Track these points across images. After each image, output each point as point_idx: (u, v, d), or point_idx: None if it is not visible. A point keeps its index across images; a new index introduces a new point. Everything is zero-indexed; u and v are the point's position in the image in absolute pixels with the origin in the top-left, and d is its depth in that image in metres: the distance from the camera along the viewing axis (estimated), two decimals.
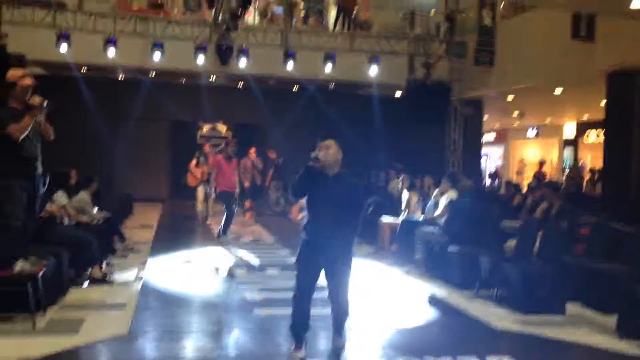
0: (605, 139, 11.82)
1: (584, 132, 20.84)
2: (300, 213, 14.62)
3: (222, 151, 11.20)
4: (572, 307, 6.54)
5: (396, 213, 10.05)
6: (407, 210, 9.78)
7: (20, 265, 5.32)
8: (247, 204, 14.52)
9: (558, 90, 14.48)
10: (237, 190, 10.88)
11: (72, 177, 8.38)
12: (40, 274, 5.42)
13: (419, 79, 14.47)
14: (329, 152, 4.78)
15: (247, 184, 14.40)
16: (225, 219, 10.58)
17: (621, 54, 10.52)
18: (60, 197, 7.45)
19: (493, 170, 24.13)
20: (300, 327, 4.80)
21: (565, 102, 16.81)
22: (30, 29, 12.89)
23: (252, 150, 15.08)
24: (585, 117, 20.26)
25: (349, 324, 5.25)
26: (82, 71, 15.10)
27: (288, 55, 13.82)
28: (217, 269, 8.30)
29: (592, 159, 20.31)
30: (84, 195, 8.20)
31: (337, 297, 4.87)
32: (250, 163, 14.94)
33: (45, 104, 5.60)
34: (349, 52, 14.43)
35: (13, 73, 5.91)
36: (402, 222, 9.38)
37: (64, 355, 4.69)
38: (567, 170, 20.08)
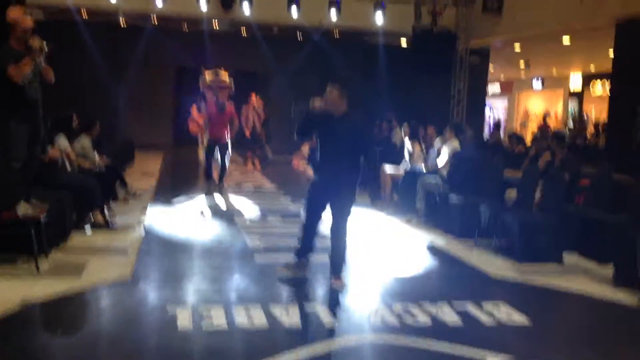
0: (611, 90, 11.68)
1: (590, 84, 20.59)
2: (301, 161, 14.65)
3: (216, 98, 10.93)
4: (569, 257, 6.61)
5: (399, 162, 10.03)
6: (410, 160, 9.77)
7: (22, 208, 5.35)
8: (249, 154, 14.35)
9: (566, 39, 14.24)
10: (227, 140, 10.41)
11: (74, 120, 8.34)
12: (43, 216, 5.47)
13: (425, 26, 14.21)
14: (330, 96, 5.31)
15: (247, 133, 14.16)
16: (220, 170, 10.50)
17: (633, 2, 10.28)
18: (62, 140, 7.43)
19: (496, 120, 23.99)
20: (305, 251, 5.55)
21: (573, 51, 16.55)
22: None
23: (254, 96, 14.60)
24: (592, 68, 19.98)
25: (348, 268, 5.54)
26: (82, 16, 14.88)
27: (292, 1, 13.56)
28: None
29: (596, 111, 20.16)
30: (85, 140, 8.18)
31: (337, 231, 5.40)
32: (251, 109, 14.50)
33: (45, 45, 5.52)
34: None
35: (13, 12, 5.81)
36: (406, 172, 9.38)
37: (67, 298, 4.77)
38: (570, 123, 19.97)
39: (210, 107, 10.86)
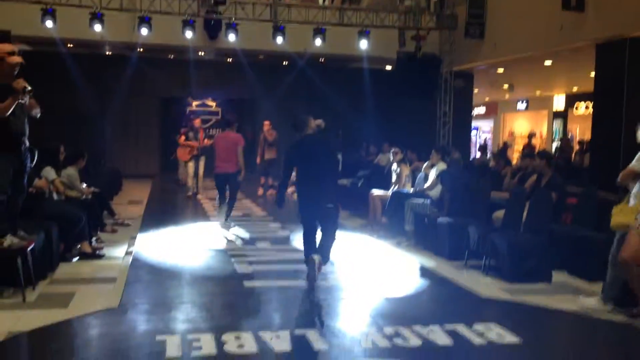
0: (594, 110, 11.84)
1: (574, 104, 20.88)
2: (290, 187, 14.67)
3: (221, 125, 10.66)
4: (558, 276, 6.63)
5: (386, 186, 10.07)
6: (397, 183, 9.81)
7: (9, 240, 5.31)
8: (262, 180, 14.11)
9: (548, 62, 14.48)
10: (237, 169, 9.36)
11: (61, 152, 8.33)
12: (30, 248, 5.43)
13: (409, 52, 14.40)
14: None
15: (258, 160, 13.99)
16: (228, 203, 9.60)
17: (611, 25, 10.49)
18: (49, 172, 7.41)
19: (483, 142, 24.23)
20: (309, 249, 6.25)
21: (555, 73, 16.83)
22: (14, 5, 12.68)
23: (267, 123, 14.19)
24: (574, 89, 20.29)
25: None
26: (68, 47, 14.94)
27: (277, 29, 13.70)
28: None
29: (580, 130, 20.42)
30: (72, 171, 8.16)
31: (325, 240, 6.24)
32: (263, 137, 14.11)
33: (28, 88, 5.50)
34: (338, 26, 14.31)
35: (1, 47, 5.81)
36: (393, 194, 9.42)
37: (54, 329, 4.71)
38: (556, 142, 20.19)
39: (216, 137, 10.44)
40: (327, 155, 6.38)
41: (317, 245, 6.29)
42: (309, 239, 6.32)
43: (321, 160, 6.24)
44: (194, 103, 18.94)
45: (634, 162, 5.34)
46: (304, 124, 6.43)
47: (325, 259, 6.24)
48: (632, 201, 5.32)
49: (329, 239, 6.29)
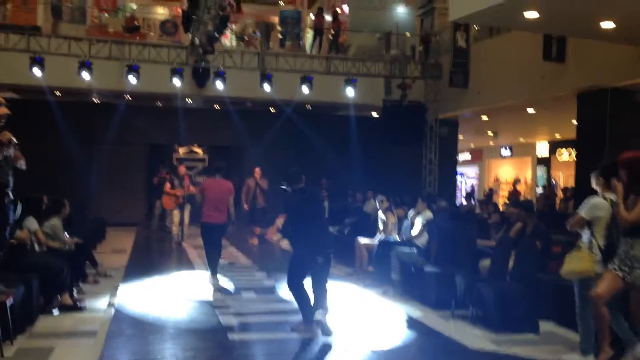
0: (577, 158, 12.01)
1: (557, 151, 21.17)
2: (276, 234, 14.62)
3: (210, 172, 9.39)
4: (545, 325, 6.58)
5: (373, 234, 10.05)
6: (384, 231, 9.80)
7: None
8: (258, 230, 13.89)
9: (531, 110, 14.74)
10: (227, 220, 8.81)
11: (44, 202, 8.26)
12: (9, 302, 5.31)
13: (395, 99, 14.62)
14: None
15: (246, 207, 13.71)
16: (209, 257, 8.75)
17: (591, 76, 10.75)
18: (31, 222, 7.31)
19: (469, 189, 24.37)
20: (308, 314, 6.11)
21: (538, 121, 17.11)
22: (2, 53, 12.80)
23: (257, 170, 14.13)
24: (557, 136, 20.60)
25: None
26: (56, 95, 15.00)
27: (265, 77, 13.89)
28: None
29: (564, 177, 20.64)
30: (56, 221, 8.07)
31: (319, 289, 6.24)
32: (254, 183, 13.95)
33: (13, 141, 5.49)
34: (325, 74, 14.55)
35: None
36: (379, 242, 9.39)
37: None
38: (540, 189, 20.36)
39: (203, 182, 9.42)
40: (321, 207, 6.67)
41: (309, 299, 6.18)
42: (302, 295, 6.17)
43: (318, 211, 6.48)
44: (181, 150, 18.98)
45: (582, 209, 5.44)
46: (297, 177, 6.36)
47: (323, 306, 6.22)
48: (586, 250, 5.40)
49: (323, 290, 6.25)
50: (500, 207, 12.62)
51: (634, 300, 4.92)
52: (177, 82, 13.47)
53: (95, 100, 16.69)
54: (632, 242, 4.89)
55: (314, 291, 6.20)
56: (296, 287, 6.15)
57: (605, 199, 5.36)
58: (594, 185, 5.63)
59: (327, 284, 6.29)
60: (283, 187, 6.35)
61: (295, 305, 6.20)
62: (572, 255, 5.50)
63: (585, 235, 5.43)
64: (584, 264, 5.31)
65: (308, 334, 6.02)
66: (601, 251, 5.20)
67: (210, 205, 8.62)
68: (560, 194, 17.03)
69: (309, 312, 6.11)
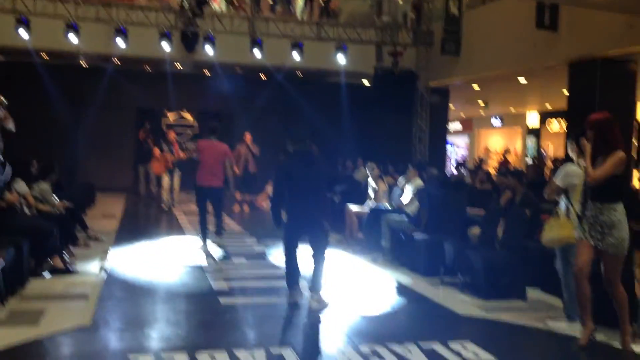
0: (567, 127, 12.04)
1: (547, 121, 21.22)
2: (266, 201, 14.62)
3: (204, 133, 9.00)
4: (532, 293, 6.69)
5: (363, 201, 10.09)
6: (374, 199, 9.84)
7: None
8: (237, 195, 13.70)
9: (522, 79, 14.70)
10: (222, 184, 8.76)
11: (33, 165, 8.20)
12: (0, 264, 5.30)
13: (386, 67, 14.51)
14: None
15: (237, 172, 13.14)
16: (215, 221, 8.94)
17: (583, 45, 10.71)
18: (20, 185, 7.27)
19: (460, 158, 24.46)
20: (293, 281, 6.07)
21: (529, 91, 17.09)
22: None
23: (248, 135, 13.91)
24: (548, 107, 20.62)
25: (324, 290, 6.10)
26: (42, 57, 14.75)
27: (255, 42, 13.71)
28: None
29: (554, 147, 20.74)
30: (45, 185, 8.03)
31: (317, 258, 6.07)
32: (245, 149, 13.77)
33: (2, 102, 5.41)
34: (316, 40, 14.39)
35: None
36: (370, 210, 9.44)
37: (24, 347, 4.59)
38: (530, 159, 20.47)
39: (199, 144, 8.98)
40: (318, 171, 6.08)
41: (300, 270, 6.12)
42: (291, 262, 6.09)
43: (313, 175, 6.00)
44: (170, 115, 18.82)
45: (557, 176, 5.57)
46: (300, 137, 6.17)
47: (318, 286, 6.03)
48: (561, 216, 5.54)
49: (321, 262, 6.07)
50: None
51: (607, 266, 4.91)
52: (165, 46, 13.27)
53: (83, 64, 16.44)
54: (601, 207, 4.86)
55: (313, 267, 6.08)
56: (285, 254, 6.11)
57: (579, 166, 5.43)
58: (569, 152, 5.72)
59: (323, 257, 6.09)
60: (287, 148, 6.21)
61: (284, 270, 6.17)
62: (552, 223, 5.58)
63: (563, 202, 5.52)
64: (563, 231, 5.39)
65: (290, 298, 6.04)
66: (578, 217, 5.25)
67: (205, 168, 8.48)
68: (549, 164, 17.11)
69: (291, 279, 6.08)
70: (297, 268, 6.12)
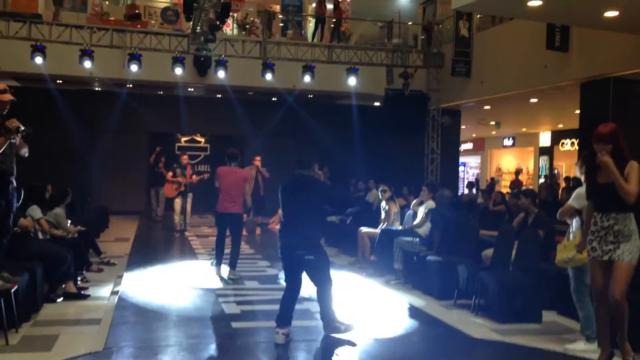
0: (579, 147, 11.98)
1: (559, 141, 21.13)
2: (279, 224, 14.59)
3: (224, 160, 8.93)
4: (548, 315, 6.61)
5: (375, 223, 10.05)
6: (386, 221, 9.80)
7: None
8: (260, 219, 13.66)
9: (534, 100, 14.70)
10: (240, 210, 8.77)
11: (48, 190, 8.27)
12: (13, 289, 5.33)
13: (397, 89, 14.57)
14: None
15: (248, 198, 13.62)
16: (231, 250, 8.70)
17: (594, 65, 10.70)
18: (35, 211, 7.33)
19: (473, 179, 24.37)
20: (282, 319, 5.55)
21: (541, 111, 17.07)
22: (3, 41, 12.76)
23: (258, 158, 13.76)
24: (560, 126, 20.56)
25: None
26: (57, 83, 14.96)
27: (267, 66, 13.84)
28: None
29: (566, 167, 20.62)
30: (59, 210, 8.09)
31: (319, 293, 5.72)
32: (255, 172, 13.50)
33: (21, 128, 5.47)
34: (327, 63, 14.49)
35: None
36: (382, 231, 9.39)
37: None
38: (542, 179, 20.35)
39: (220, 171, 8.86)
40: (311, 199, 5.69)
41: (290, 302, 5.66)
42: (287, 297, 5.69)
43: (305, 203, 5.65)
44: (183, 139, 18.97)
45: (571, 199, 5.56)
46: (308, 162, 5.91)
47: (331, 322, 5.69)
48: (571, 237, 5.55)
49: (321, 300, 5.70)
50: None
51: (619, 276, 4.69)
52: (178, 70, 13.43)
53: (97, 89, 16.64)
54: (617, 217, 4.74)
55: (319, 303, 5.77)
56: (285, 286, 5.79)
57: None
58: (578, 174, 5.71)
59: (324, 288, 5.70)
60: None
61: (300, 294, 5.91)
62: (566, 243, 5.54)
63: (574, 223, 5.49)
64: (580, 253, 5.33)
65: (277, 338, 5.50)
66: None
67: (224, 194, 8.58)
68: (562, 184, 17.01)
69: (282, 313, 5.60)
70: (290, 305, 5.63)
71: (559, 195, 15.19)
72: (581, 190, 5.51)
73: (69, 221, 8.35)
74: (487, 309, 6.67)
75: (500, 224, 8.39)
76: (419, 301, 7.43)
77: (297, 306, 5.83)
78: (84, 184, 15.00)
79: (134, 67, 13.14)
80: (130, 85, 15.66)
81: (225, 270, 8.83)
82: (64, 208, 8.19)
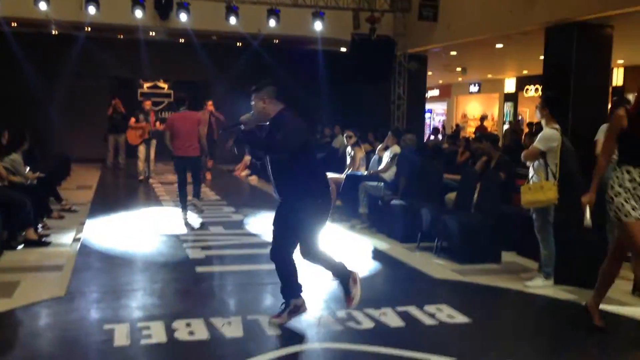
0: (543, 92, 12.07)
1: (524, 87, 21.30)
2: (245, 171, 14.56)
3: (175, 106, 9.37)
4: (508, 256, 6.77)
5: (341, 169, 10.07)
6: (351, 166, 9.83)
7: None
8: (210, 163, 13.55)
9: (499, 45, 14.68)
10: (197, 153, 8.90)
11: (4, 136, 8.03)
12: None
13: (363, 34, 14.36)
14: (255, 109, 4.77)
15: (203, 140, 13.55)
16: (194, 185, 9.13)
17: (560, 9, 10.67)
18: None
19: (439, 125, 24.51)
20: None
21: (506, 57, 17.09)
22: None
23: (210, 103, 13.61)
24: (525, 72, 20.68)
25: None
26: (11, 26, 14.36)
27: (231, 9, 13.46)
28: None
29: (530, 113, 20.87)
30: (16, 156, 7.86)
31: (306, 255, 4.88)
32: (208, 116, 13.25)
33: None
34: (293, 7, 14.16)
35: None
36: (347, 176, 9.42)
37: None
38: (507, 125, 20.59)
39: (170, 117, 9.29)
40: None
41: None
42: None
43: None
44: (146, 85, 18.54)
45: (537, 141, 5.61)
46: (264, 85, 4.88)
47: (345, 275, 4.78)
48: (535, 178, 5.59)
49: (315, 262, 4.88)
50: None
51: None
52: (138, 13, 12.97)
53: (54, 32, 16.03)
54: None
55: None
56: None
57: (554, 129, 5.52)
58: (538, 117, 5.76)
59: (316, 256, 4.96)
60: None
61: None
62: (530, 186, 5.61)
63: (541, 165, 5.55)
64: (547, 194, 5.43)
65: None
66: (556, 179, 5.41)
67: (180, 139, 8.72)
68: (525, 129, 17.23)
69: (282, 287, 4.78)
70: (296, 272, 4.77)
71: (522, 140, 15.40)
72: (547, 132, 5.57)
73: (27, 167, 8.15)
74: (449, 250, 6.81)
75: (464, 168, 8.50)
76: (384, 244, 7.53)
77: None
78: (44, 131, 14.63)
79: (91, 9, 12.64)
80: (89, 29, 15.11)
81: (191, 216, 8.82)
82: (20, 154, 7.96)
